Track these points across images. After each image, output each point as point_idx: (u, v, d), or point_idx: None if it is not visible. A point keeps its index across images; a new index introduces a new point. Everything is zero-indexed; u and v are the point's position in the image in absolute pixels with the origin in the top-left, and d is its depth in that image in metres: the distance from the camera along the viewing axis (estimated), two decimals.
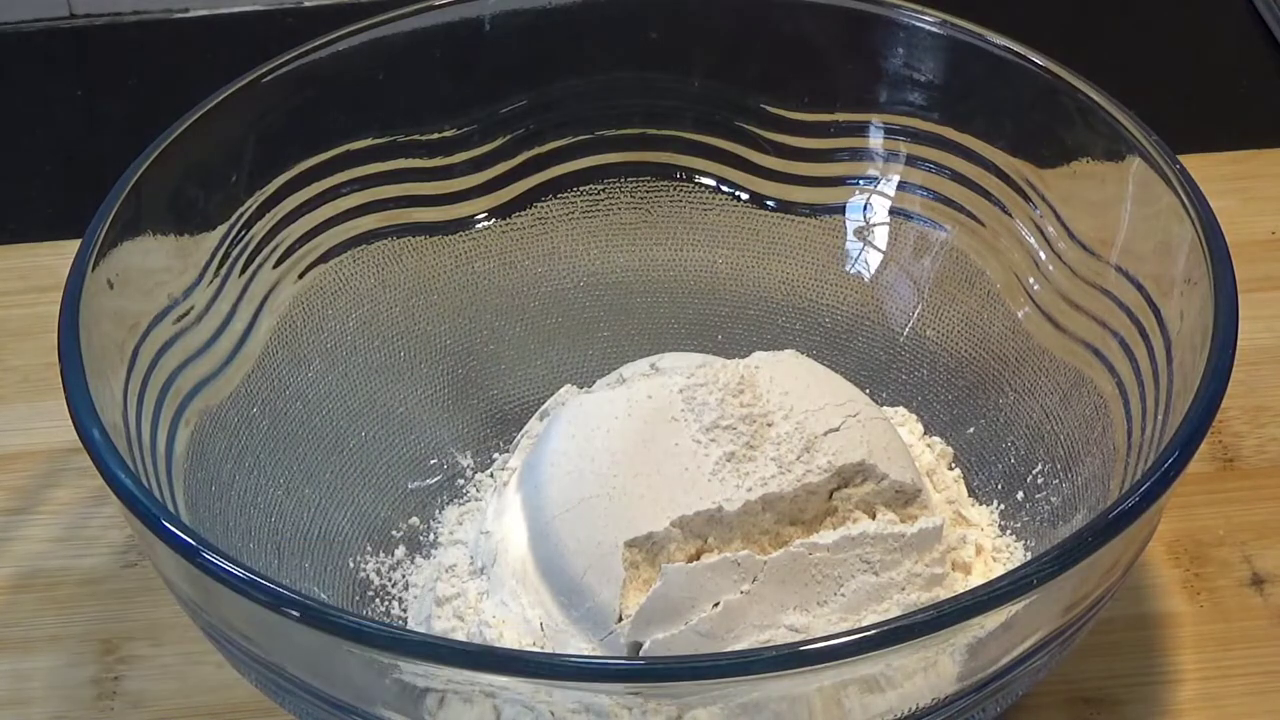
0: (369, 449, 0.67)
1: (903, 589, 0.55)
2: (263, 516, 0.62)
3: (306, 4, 1.02)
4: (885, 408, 0.66)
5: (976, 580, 0.58)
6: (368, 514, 0.65)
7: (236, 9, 1.01)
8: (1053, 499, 0.62)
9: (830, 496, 0.56)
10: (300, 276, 0.67)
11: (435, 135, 0.70)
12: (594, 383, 0.66)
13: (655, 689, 0.46)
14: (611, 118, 0.72)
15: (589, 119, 0.72)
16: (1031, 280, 0.66)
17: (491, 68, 0.70)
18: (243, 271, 0.64)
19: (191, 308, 0.61)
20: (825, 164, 0.71)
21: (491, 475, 0.67)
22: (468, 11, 0.69)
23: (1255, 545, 0.65)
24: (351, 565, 0.63)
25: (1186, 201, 0.58)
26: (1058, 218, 0.65)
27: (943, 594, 0.55)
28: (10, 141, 0.93)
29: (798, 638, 0.53)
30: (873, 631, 0.45)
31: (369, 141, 0.69)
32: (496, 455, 0.68)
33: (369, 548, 0.64)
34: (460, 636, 0.57)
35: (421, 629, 0.59)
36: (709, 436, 0.56)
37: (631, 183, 0.73)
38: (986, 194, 0.67)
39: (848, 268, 0.72)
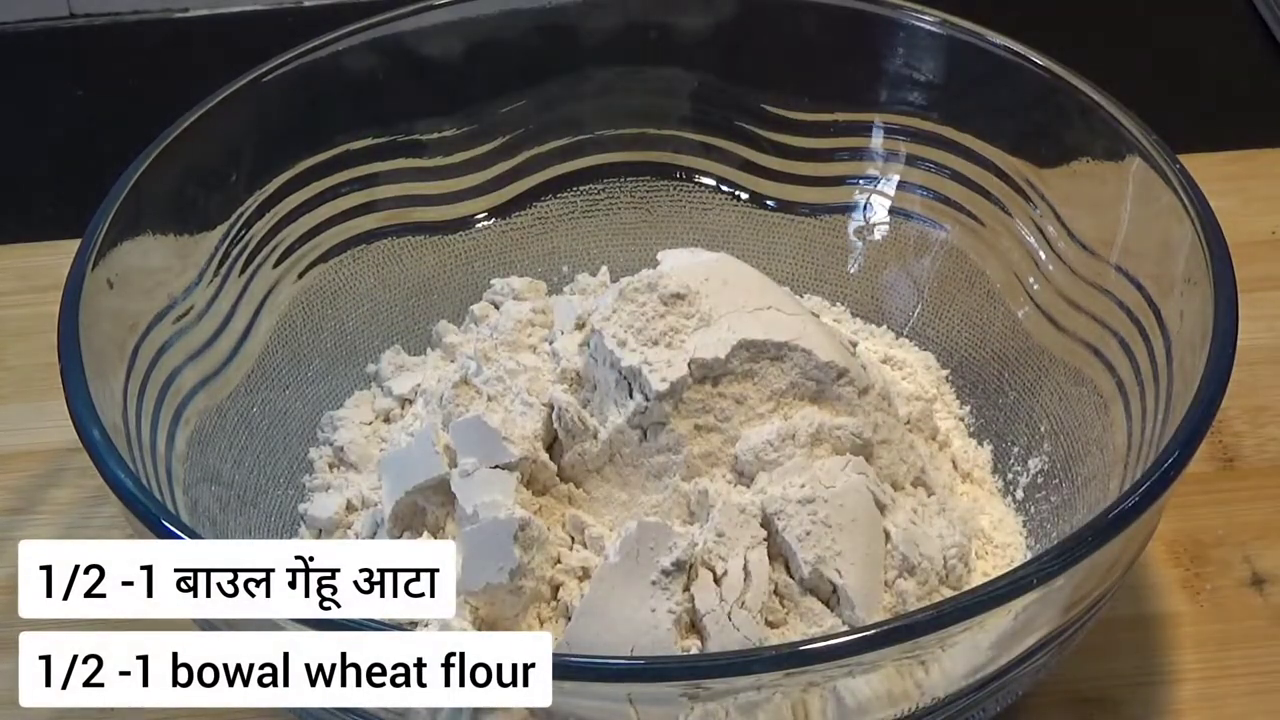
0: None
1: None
2: (262, 517, 0.62)
3: (306, 4, 1.02)
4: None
5: (977, 580, 0.58)
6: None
7: (236, 9, 1.01)
8: (1053, 499, 0.62)
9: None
10: (300, 276, 0.67)
11: (435, 135, 0.70)
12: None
13: (655, 688, 0.46)
14: (611, 117, 0.72)
15: (588, 118, 0.72)
16: (1031, 280, 0.66)
17: (491, 68, 0.71)
18: (243, 271, 0.64)
19: (191, 307, 0.61)
20: (825, 164, 0.71)
21: None
22: (468, 11, 0.69)
23: (1255, 545, 0.65)
24: None
25: (1186, 201, 0.58)
26: (1058, 218, 0.65)
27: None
28: (10, 141, 0.93)
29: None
30: (873, 631, 0.45)
31: (369, 141, 0.69)
32: None
33: None
34: None
35: None
36: None
37: (631, 182, 0.73)
38: (986, 194, 0.67)
39: (848, 267, 0.72)
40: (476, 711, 0.47)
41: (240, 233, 0.64)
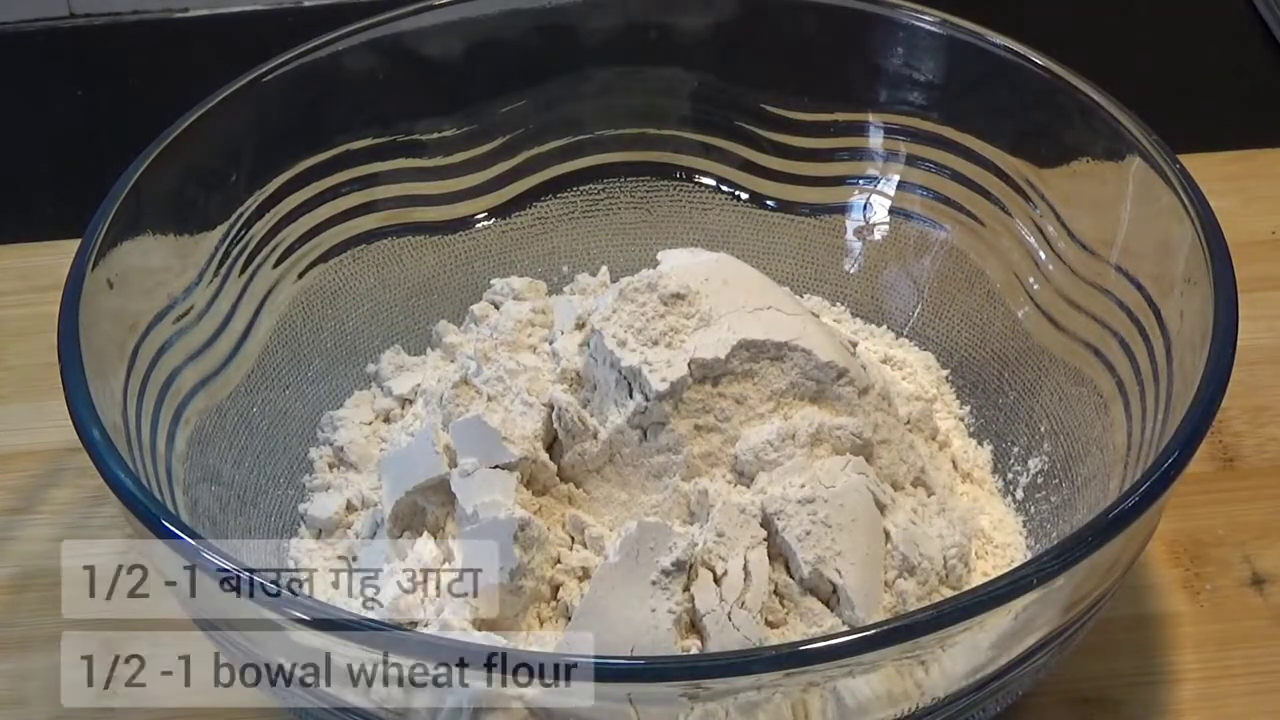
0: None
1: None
2: (262, 517, 0.62)
3: (306, 4, 1.02)
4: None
5: (977, 580, 0.58)
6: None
7: (236, 9, 1.01)
8: (1053, 499, 0.62)
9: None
10: (300, 276, 0.67)
11: (435, 135, 0.70)
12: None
13: (655, 688, 0.46)
14: (611, 117, 0.72)
15: (588, 118, 0.72)
16: (1031, 280, 0.66)
17: (491, 68, 0.71)
18: (242, 271, 0.64)
19: (191, 307, 0.61)
20: (825, 164, 0.71)
21: None
22: (468, 11, 0.69)
23: (1255, 545, 0.65)
24: None
25: (1186, 201, 0.58)
26: (1058, 218, 0.65)
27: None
28: (10, 141, 0.93)
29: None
30: (873, 631, 0.45)
31: (369, 141, 0.69)
32: None
33: None
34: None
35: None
36: None
37: (631, 182, 0.73)
38: (986, 194, 0.67)
39: (848, 267, 0.72)
40: (476, 711, 0.47)
41: (240, 233, 0.64)
